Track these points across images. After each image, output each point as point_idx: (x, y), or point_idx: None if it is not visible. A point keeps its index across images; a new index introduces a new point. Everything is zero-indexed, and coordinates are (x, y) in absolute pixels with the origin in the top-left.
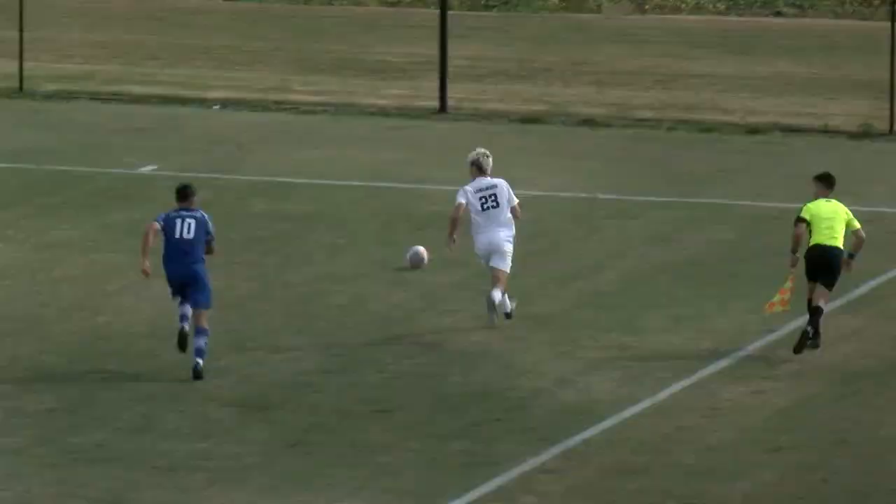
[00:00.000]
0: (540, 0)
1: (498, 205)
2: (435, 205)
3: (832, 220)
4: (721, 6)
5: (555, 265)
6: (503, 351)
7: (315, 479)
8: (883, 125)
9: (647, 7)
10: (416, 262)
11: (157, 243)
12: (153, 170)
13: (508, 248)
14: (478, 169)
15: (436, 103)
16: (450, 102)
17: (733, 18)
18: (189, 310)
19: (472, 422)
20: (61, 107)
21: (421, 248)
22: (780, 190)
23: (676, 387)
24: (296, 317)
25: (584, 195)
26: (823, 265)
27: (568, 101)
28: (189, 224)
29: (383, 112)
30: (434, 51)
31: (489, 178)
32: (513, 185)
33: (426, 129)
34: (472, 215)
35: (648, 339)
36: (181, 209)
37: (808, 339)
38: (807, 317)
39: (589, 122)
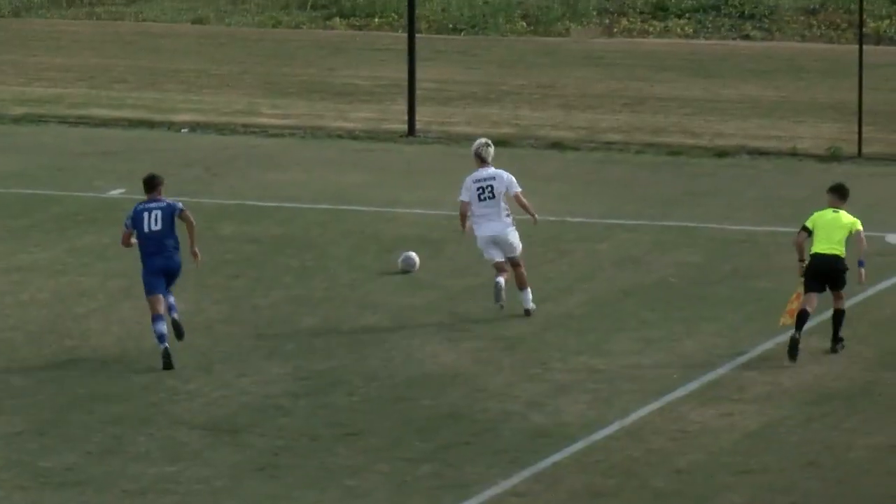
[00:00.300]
0: (508, 23)
1: (493, 196)
2: (404, 227)
3: (832, 229)
4: (689, 29)
5: None
6: (473, 373)
7: (284, 502)
8: (851, 148)
9: (614, 30)
10: (408, 266)
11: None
12: (121, 193)
13: (513, 237)
14: (479, 159)
15: (404, 126)
16: (418, 125)
17: (701, 42)
18: (164, 328)
19: (441, 444)
20: (29, 130)
21: (412, 253)
22: (748, 213)
23: (646, 409)
24: (265, 340)
25: (552, 218)
26: (822, 273)
27: (536, 125)
28: (155, 215)
29: (351, 135)
30: (402, 74)
31: (491, 168)
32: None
33: (394, 152)
34: (472, 206)
35: (618, 361)
36: (148, 200)
37: (797, 346)
38: (787, 330)
39: (557, 145)
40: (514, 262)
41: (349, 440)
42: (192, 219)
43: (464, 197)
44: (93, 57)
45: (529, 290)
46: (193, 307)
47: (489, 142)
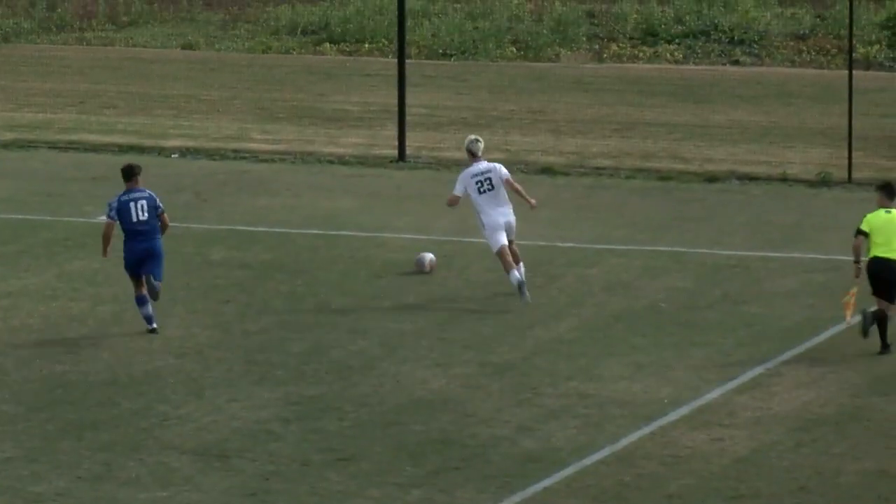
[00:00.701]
0: (498, 49)
1: (493, 187)
2: (393, 252)
3: (887, 231)
4: (678, 55)
5: (514, 313)
6: (463, 398)
7: None
8: (841, 174)
9: (604, 56)
10: (421, 266)
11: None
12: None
13: (514, 220)
14: (471, 154)
15: (394, 152)
16: (408, 151)
17: (690, 67)
18: (151, 311)
19: (432, 470)
20: (18, 155)
21: (428, 255)
22: (738, 238)
23: (636, 434)
24: (256, 365)
25: (542, 243)
26: (880, 279)
27: (526, 150)
28: (142, 205)
29: (342, 160)
30: (392, 99)
31: (484, 162)
32: (470, 234)
33: (385, 178)
34: (473, 198)
35: (608, 386)
36: (129, 190)
37: (870, 325)
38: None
39: (547, 170)
40: (510, 242)
41: (340, 465)
42: (167, 222)
43: (457, 191)
44: (82, 82)
45: (522, 263)
46: (184, 332)
47: (479, 138)
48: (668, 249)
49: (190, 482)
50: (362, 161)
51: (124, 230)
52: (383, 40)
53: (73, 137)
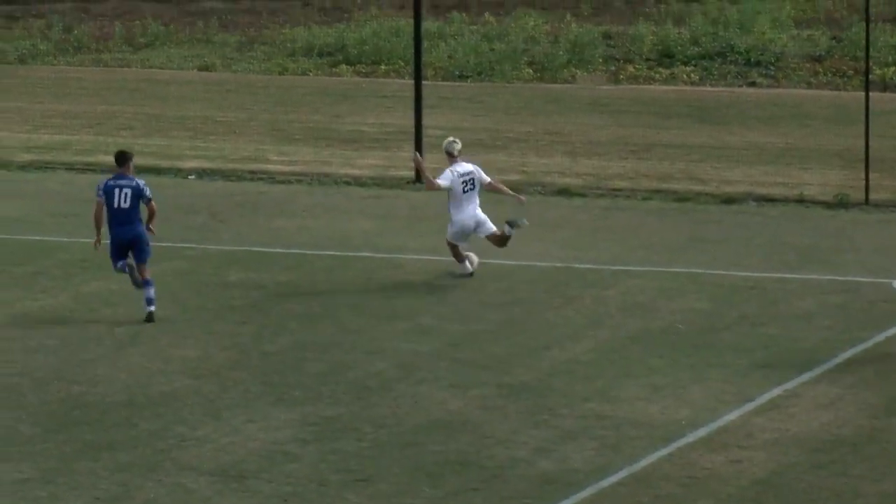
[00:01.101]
0: (514, 70)
1: (474, 187)
2: (410, 274)
3: None
4: (694, 76)
5: (530, 334)
6: (480, 420)
7: None
8: (858, 195)
9: (620, 77)
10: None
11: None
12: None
13: (483, 216)
14: (449, 155)
15: (411, 173)
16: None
17: (707, 89)
18: (152, 293)
19: (450, 491)
20: (35, 177)
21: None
22: (755, 259)
23: (654, 456)
24: (272, 386)
25: (559, 264)
26: None
27: (542, 171)
28: (126, 194)
29: (358, 182)
30: (409, 121)
31: (465, 163)
32: (486, 254)
33: (401, 199)
34: (453, 194)
35: (625, 407)
36: (118, 175)
37: None
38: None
39: (564, 191)
40: (492, 236)
41: (358, 486)
42: (155, 208)
43: (443, 182)
44: (99, 104)
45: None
46: (201, 353)
47: (455, 139)
48: (685, 271)
49: (209, 503)
50: (379, 182)
51: (107, 211)
52: (399, 62)
53: (90, 159)
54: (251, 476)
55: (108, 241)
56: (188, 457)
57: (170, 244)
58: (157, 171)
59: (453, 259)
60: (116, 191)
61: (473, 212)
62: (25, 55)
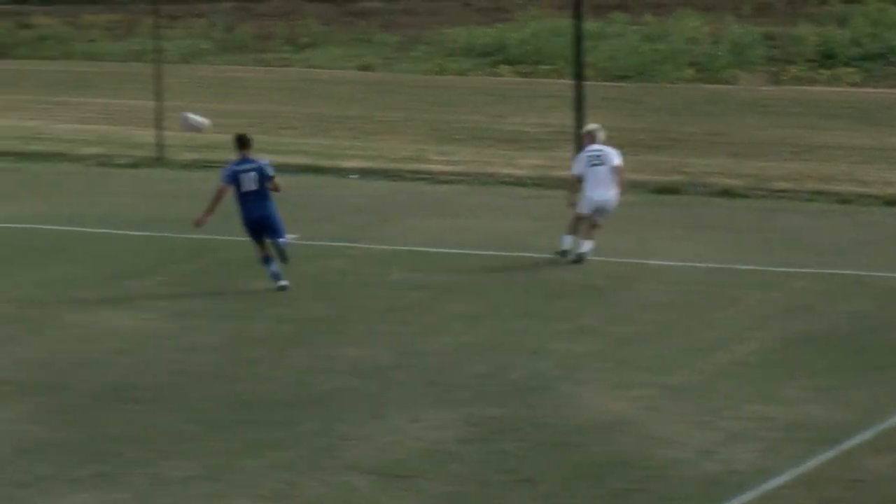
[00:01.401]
0: (675, 71)
1: (602, 163)
2: (571, 273)
3: None
4: (857, 78)
5: (693, 335)
6: (642, 421)
7: None
8: None
9: (782, 78)
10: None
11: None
12: (293, 239)
13: (613, 202)
14: (590, 138)
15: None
16: None
17: (869, 90)
18: (276, 268)
19: (612, 491)
20: (199, 175)
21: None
22: None
23: (819, 458)
24: (434, 386)
25: (722, 265)
26: None
27: (704, 172)
28: (251, 176)
29: (519, 182)
30: (568, 121)
31: (598, 145)
32: (648, 254)
33: (562, 199)
34: (584, 173)
35: (789, 409)
36: (242, 160)
37: None
38: None
39: (726, 192)
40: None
41: (521, 487)
42: (279, 185)
43: (574, 170)
44: (260, 104)
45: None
46: (363, 353)
47: (599, 126)
48: (850, 273)
49: (373, 502)
50: (539, 182)
51: (238, 196)
52: (560, 62)
53: None
54: (414, 475)
55: (242, 224)
56: (351, 455)
57: (331, 243)
58: (318, 170)
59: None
60: (242, 175)
61: (602, 196)
62: (188, 55)
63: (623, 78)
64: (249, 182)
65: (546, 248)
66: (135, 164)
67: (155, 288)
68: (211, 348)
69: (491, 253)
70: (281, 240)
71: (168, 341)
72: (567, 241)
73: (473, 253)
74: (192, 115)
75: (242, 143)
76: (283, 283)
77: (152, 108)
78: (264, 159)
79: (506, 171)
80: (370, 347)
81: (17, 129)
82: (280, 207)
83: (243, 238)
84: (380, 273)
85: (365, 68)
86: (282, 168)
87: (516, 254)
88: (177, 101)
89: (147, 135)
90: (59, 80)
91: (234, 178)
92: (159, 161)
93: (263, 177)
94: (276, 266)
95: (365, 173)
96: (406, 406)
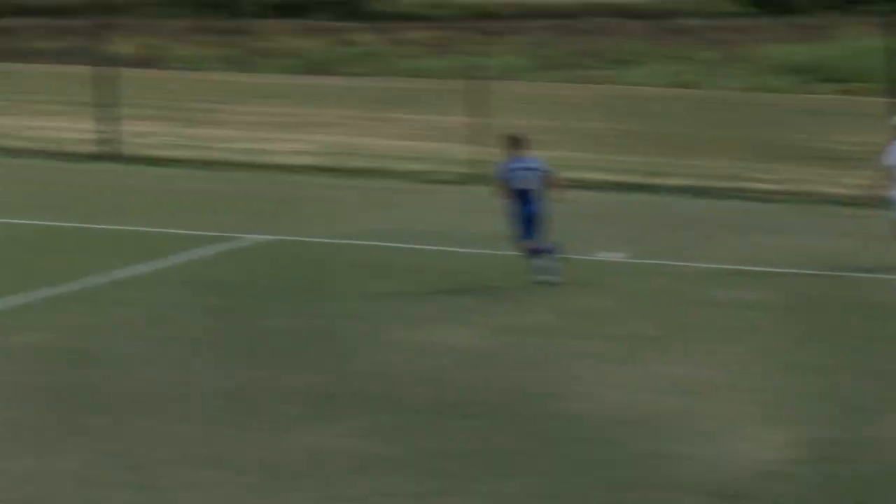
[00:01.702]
0: None
1: None
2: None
3: None
4: None
5: None
6: None
7: None
8: None
9: None
10: None
11: None
12: (622, 257)
13: None
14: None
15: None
16: None
17: None
18: (542, 263)
19: None
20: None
21: None
22: None
23: None
24: (762, 406)
25: None
26: None
27: None
28: (527, 175)
29: (839, 201)
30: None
31: None
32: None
33: (881, 219)
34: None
35: None
36: (516, 159)
37: None
38: None
39: None
40: None
41: None
42: (555, 181)
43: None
44: (581, 120)
45: None
46: (689, 371)
47: None
48: None
49: None
50: (856, 202)
51: (513, 194)
52: (879, 80)
53: (573, 175)
54: (743, 496)
55: (513, 219)
56: (681, 475)
57: (652, 261)
58: (639, 188)
59: None
60: (518, 173)
61: None
62: (503, 71)
63: None
64: (526, 180)
65: (865, 269)
66: (455, 181)
67: (484, 306)
68: (536, 365)
69: (808, 272)
70: (544, 246)
71: (497, 359)
72: None
73: (801, 272)
74: None
75: (520, 143)
76: (545, 278)
77: (468, 124)
78: (539, 158)
79: (828, 189)
80: (692, 367)
81: (338, 144)
82: (598, 223)
83: (569, 255)
84: (704, 291)
85: (683, 85)
86: (600, 185)
87: (846, 274)
88: (493, 118)
89: (464, 151)
90: (378, 96)
91: (510, 177)
92: (475, 178)
93: (540, 175)
94: (541, 262)
95: (687, 190)
96: (735, 426)
